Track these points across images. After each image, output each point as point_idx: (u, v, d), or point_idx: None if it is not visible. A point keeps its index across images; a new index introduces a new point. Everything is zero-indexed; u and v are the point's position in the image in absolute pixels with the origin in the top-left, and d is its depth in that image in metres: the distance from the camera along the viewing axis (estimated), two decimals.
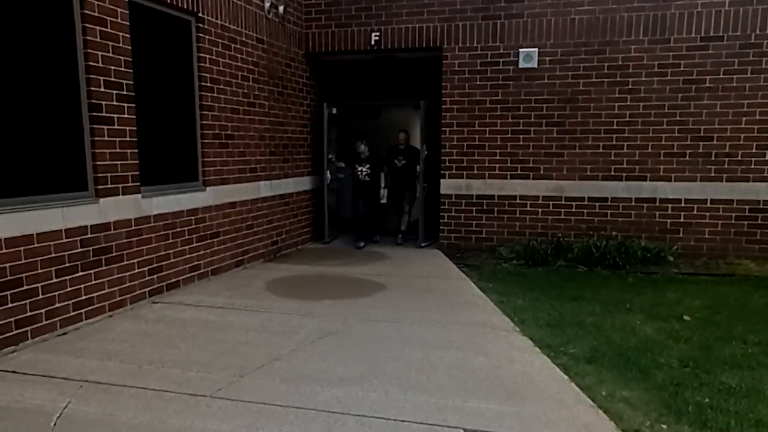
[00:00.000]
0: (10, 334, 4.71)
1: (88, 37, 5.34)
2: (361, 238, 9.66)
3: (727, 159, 8.45)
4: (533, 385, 4.15)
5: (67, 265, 5.21)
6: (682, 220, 8.69)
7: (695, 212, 8.64)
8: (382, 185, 9.81)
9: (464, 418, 3.61)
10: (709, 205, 8.59)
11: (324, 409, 3.73)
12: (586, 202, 8.96)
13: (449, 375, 4.30)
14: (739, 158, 8.41)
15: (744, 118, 8.33)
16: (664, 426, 3.61)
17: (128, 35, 5.78)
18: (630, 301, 6.36)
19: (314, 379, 4.20)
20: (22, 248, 4.75)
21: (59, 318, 5.15)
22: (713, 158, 8.47)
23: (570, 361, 4.65)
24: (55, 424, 3.52)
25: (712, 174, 8.52)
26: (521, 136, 9.04)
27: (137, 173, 5.99)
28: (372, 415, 3.65)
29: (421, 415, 3.66)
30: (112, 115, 5.63)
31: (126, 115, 5.80)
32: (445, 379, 4.22)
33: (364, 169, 9.57)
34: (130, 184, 5.90)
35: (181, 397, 3.89)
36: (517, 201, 9.19)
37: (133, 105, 5.89)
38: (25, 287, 4.81)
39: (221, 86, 7.36)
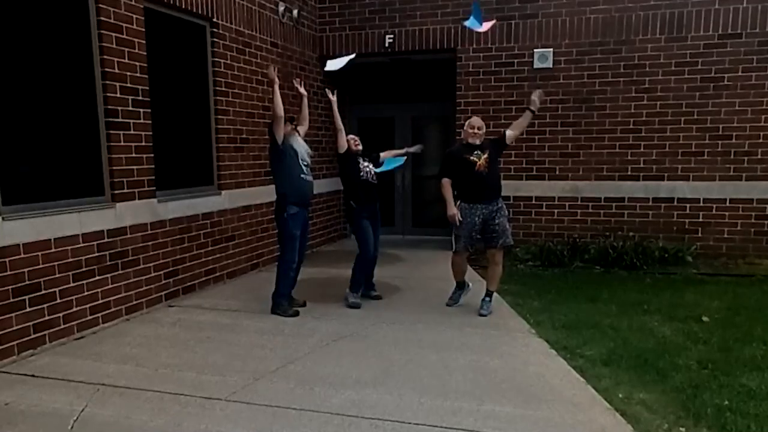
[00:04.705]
0: (29, 338, 4.77)
1: (104, 44, 5.40)
2: (359, 286, 6.46)
3: (746, 158, 8.32)
4: (549, 387, 4.11)
5: (84, 269, 5.26)
6: (700, 219, 8.57)
7: (714, 212, 8.52)
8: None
9: (479, 421, 3.59)
10: (728, 204, 8.47)
11: (338, 412, 3.72)
12: (602, 203, 8.88)
13: (464, 377, 4.27)
14: (759, 157, 8.28)
15: (763, 116, 8.21)
16: (683, 429, 3.56)
17: (143, 41, 5.84)
18: (647, 302, 6.28)
19: (328, 382, 4.20)
20: (39, 253, 4.81)
21: (76, 322, 5.21)
22: (732, 157, 8.36)
23: (586, 363, 4.60)
24: (72, 428, 3.55)
25: (731, 173, 8.40)
26: (536, 137, 8.98)
27: (153, 178, 6.04)
28: (386, 418, 3.64)
29: (435, 418, 3.64)
30: (127, 120, 5.69)
31: (141, 121, 5.86)
32: (460, 382, 4.19)
33: (370, 166, 6.37)
34: (146, 189, 5.95)
35: (197, 401, 3.91)
36: (533, 202, 9.13)
37: (149, 110, 5.95)
38: (43, 292, 4.87)
39: (236, 90, 7.41)
